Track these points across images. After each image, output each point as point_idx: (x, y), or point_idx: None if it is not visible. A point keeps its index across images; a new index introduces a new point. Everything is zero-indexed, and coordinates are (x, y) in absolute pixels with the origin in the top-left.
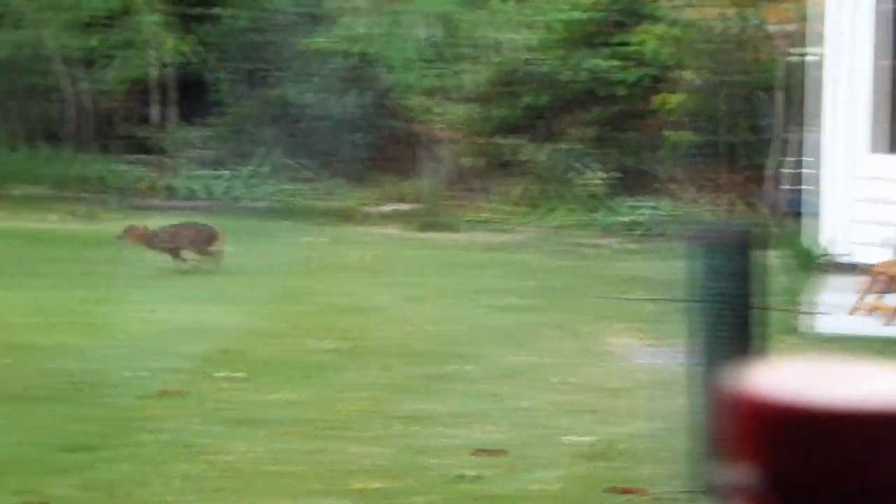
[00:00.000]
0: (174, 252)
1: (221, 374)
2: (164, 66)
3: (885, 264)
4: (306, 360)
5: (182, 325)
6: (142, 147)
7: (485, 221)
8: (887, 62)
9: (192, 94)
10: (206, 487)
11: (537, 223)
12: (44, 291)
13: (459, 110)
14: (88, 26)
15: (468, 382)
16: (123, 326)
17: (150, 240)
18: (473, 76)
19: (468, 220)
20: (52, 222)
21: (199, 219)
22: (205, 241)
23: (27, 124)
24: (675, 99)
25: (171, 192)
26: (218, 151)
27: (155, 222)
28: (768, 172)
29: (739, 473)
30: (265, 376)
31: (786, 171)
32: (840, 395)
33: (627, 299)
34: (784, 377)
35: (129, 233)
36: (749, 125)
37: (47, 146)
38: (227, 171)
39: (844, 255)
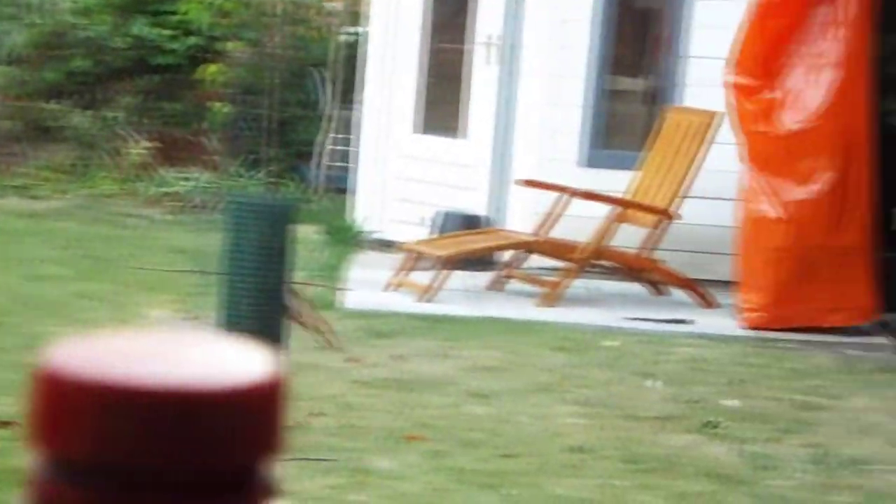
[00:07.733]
0: None
1: None
2: None
3: (415, 242)
4: None
5: None
6: None
7: (22, 187)
8: (434, 45)
9: None
10: None
11: (79, 191)
12: None
13: None
14: None
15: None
16: None
17: None
18: (14, 37)
19: (4, 186)
20: None
21: None
22: None
23: None
24: (216, 69)
25: None
26: None
27: None
28: (315, 148)
29: (37, 458)
30: None
31: (331, 147)
32: (146, 371)
33: (168, 271)
34: (93, 353)
35: None
36: (298, 100)
37: None
38: None
39: (377, 231)
